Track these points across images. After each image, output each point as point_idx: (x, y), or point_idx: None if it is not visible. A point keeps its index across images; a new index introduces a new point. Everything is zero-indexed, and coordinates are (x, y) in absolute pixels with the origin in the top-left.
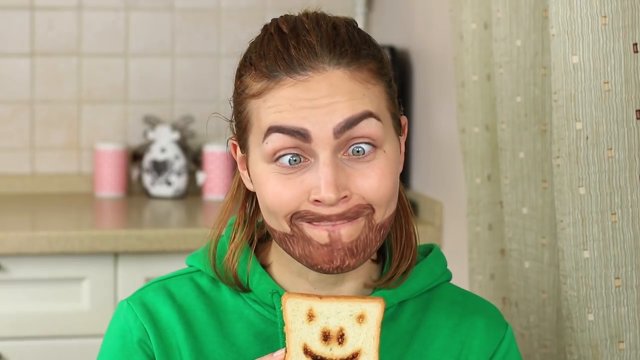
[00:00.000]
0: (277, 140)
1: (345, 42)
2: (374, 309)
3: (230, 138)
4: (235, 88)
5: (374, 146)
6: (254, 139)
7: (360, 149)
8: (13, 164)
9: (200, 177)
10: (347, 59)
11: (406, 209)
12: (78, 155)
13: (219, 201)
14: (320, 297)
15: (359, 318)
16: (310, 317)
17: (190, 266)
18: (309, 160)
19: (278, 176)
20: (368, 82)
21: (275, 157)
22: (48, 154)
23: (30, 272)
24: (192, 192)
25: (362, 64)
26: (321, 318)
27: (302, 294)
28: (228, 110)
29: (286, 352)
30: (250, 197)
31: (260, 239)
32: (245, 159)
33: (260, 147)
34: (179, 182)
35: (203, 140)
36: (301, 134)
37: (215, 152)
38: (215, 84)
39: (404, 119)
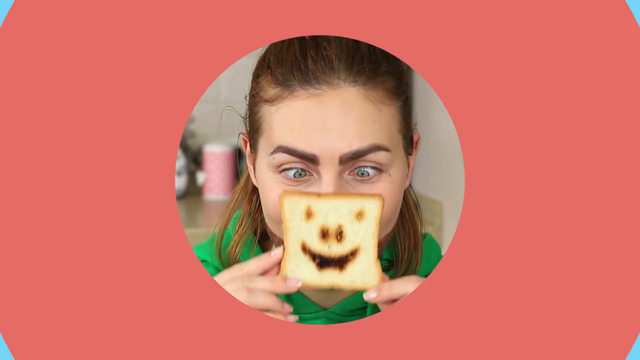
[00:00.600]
0: (284, 158)
1: (364, 59)
2: (373, 206)
3: (242, 133)
4: (251, 87)
5: (379, 170)
6: (263, 143)
7: (365, 172)
8: None
9: (200, 177)
10: (363, 77)
11: (414, 218)
12: None
13: (219, 201)
14: (319, 194)
15: (358, 215)
16: (309, 215)
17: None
18: (313, 175)
19: (282, 186)
20: (382, 102)
21: (280, 169)
22: None
23: None
24: (192, 192)
25: (379, 82)
26: (319, 216)
27: (300, 192)
28: (228, 111)
29: (284, 250)
30: (256, 192)
31: (264, 232)
32: (253, 158)
33: (267, 156)
34: (179, 182)
35: (203, 140)
36: (310, 159)
37: (215, 152)
38: (216, 83)
39: (416, 135)
